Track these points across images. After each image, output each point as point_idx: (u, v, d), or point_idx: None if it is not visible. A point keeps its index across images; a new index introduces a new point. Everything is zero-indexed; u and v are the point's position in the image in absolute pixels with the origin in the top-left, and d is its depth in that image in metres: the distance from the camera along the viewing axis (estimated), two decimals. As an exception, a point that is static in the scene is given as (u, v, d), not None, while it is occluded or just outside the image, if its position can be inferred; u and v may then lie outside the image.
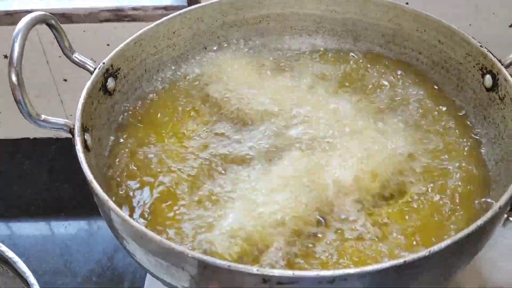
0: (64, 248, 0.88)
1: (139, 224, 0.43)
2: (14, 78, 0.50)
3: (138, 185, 0.57)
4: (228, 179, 0.57)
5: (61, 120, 0.53)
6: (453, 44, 0.64)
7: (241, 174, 0.57)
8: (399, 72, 0.68)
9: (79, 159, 0.49)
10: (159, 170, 0.58)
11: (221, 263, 0.40)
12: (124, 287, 0.82)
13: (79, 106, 0.55)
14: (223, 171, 0.58)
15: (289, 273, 0.40)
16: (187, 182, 0.56)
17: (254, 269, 0.40)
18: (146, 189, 0.56)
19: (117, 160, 0.60)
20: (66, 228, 0.91)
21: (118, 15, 0.89)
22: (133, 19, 0.89)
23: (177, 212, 0.53)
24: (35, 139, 1.07)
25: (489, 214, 0.43)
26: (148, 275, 0.71)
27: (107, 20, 0.89)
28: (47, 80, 0.98)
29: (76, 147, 0.50)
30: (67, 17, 0.90)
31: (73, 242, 0.89)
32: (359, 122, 0.61)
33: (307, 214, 0.51)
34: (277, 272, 0.40)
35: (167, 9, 0.89)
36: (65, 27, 0.89)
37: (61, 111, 1.03)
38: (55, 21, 0.57)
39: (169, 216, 0.53)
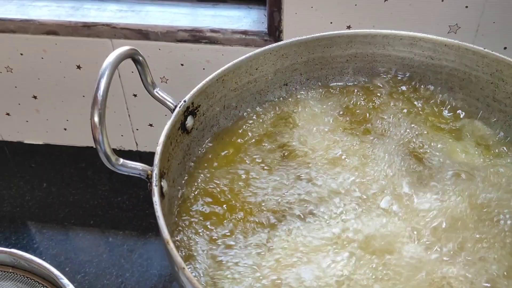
0: (120, 268, 0.87)
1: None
2: (96, 119, 0.48)
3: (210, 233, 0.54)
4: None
5: (138, 165, 0.51)
6: None
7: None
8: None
9: (156, 212, 0.47)
10: (230, 214, 0.55)
11: None
12: (177, 319, 0.80)
13: (158, 150, 0.52)
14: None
15: None
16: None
17: None
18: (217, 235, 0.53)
19: (191, 201, 0.57)
20: (123, 247, 0.90)
21: (195, 36, 0.87)
22: (210, 41, 0.86)
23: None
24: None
25: None
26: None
27: (184, 40, 0.87)
28: (117, 93, 0.97)
29: (153, 198, 0.48)
30: (144, 33, 0.88)
31: (129, 263, 0.87)
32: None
33: None
34: None
35: (246, 33, 0.86)
36: (141, 43, 0.89)
37: (129, 125, 1.02)
38: (142, 57, 0.54)
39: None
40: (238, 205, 0.56)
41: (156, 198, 0.47)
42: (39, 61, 0.94)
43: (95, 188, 1.01)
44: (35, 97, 1.01)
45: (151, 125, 1.02)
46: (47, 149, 1.09)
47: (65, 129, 1.06)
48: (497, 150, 0.61)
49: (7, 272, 0.64)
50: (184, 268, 0.42)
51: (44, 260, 0.65)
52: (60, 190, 1.00)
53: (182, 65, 0.90)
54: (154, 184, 0.49)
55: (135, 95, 0.97)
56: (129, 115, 1.01)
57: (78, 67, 0.94)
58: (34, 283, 0.63)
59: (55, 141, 1.08)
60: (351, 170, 0.58)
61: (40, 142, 1.09)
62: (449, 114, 0.66)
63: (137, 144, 1.05)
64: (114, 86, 0.95)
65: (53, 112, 1.03)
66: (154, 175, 0.50)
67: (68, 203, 0.97)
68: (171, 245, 0.44)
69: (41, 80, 0.97)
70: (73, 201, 0.98)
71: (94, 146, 0.49)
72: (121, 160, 0.50)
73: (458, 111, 0.67)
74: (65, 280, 0.60)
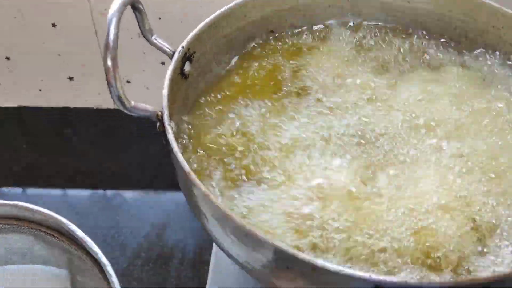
0: (113, 220, 0.89)
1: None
2: (109, 62, 0.50)
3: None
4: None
5: (148, 107, 0.53)
6: (533, 44, 0.64)
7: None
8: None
9: (173, 148, 0.49)
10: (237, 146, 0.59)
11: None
12: (173, 264, 0.83)
13: (165, 92, 0.54)
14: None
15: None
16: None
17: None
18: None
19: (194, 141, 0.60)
20: (115, 200, 0.92)
21: (173, -11, 0.87)
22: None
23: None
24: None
25: None
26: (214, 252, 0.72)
27: (162, -7, 0.88)
28: (94, 50, 0.97)
29: (168, 136, 0.50)
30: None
31: (121, 214, 0.90)
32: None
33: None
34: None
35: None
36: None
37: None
38: (141, 5, 0.56)
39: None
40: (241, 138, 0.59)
41: (170, 135, 0.50)
42: (13, 20, 0.92)
43: (77, 149, 1.02)
44: (8, 58, 0.99)
45: (128, 81, 1.02)
46: (21, 111, 1.08)
47: (40, 90, 1.05)
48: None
49: (11, 225, 0.65)
50: (208, 194, 0.45)
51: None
52: (41, 152, 1.00)
53: (160, 19, 0.91)
54: (166, 123, 0.51)
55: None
56: (106, 73, 1.01)
57: (53, 25, 0.93)
58: (41, 233, 0.65)
59: (29, 103, 1.07)
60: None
61: (14, 105, 1.08)
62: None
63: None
64: (91, 43, 0.95)
65: (27, 73, 1.02)
66: (165, 115, 0.52)
67: (52, 164, 0.98)
68: (193, 176, 0.47)
69: (14, 41, 0.96)
70: (57, 162, 0.99)
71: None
72: (133, 103, 0.52)
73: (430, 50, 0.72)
74: (72, 226, 0.62)
